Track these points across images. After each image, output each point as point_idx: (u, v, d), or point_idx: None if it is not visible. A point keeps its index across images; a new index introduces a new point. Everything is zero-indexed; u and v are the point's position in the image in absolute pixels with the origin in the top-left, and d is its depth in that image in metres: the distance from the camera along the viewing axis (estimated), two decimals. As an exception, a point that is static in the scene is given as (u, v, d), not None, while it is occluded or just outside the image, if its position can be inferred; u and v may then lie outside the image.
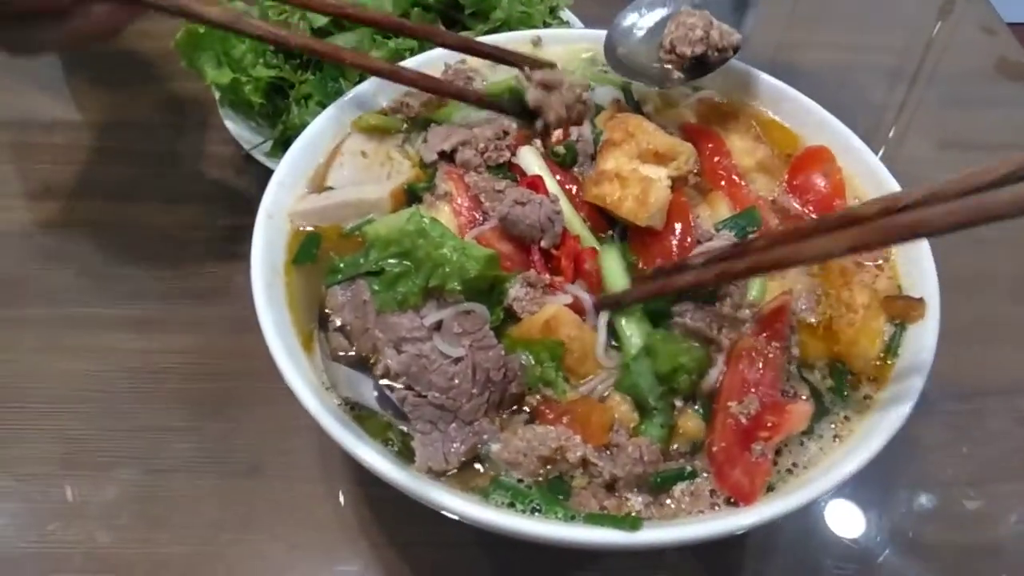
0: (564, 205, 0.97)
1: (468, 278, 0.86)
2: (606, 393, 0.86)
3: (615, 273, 0.92)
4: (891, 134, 1.71)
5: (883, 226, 0.67)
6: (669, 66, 1.10)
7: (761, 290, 0.91)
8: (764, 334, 0.87)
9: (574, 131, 1.08)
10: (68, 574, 0.99)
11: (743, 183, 1.06)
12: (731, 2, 1.14)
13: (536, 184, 0.98)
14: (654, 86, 1.16)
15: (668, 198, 0.95)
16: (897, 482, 1.12)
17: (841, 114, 1.13)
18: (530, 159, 1.02)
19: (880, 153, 1.60)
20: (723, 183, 1.06)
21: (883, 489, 1.11)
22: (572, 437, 0.81)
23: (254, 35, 1.00)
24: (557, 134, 1.07)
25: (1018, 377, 1.24)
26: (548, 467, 0.81)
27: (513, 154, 1.05)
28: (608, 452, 0.81)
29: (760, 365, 0.84)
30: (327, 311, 0.92)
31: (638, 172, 0.95)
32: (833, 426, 0.85)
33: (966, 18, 2.03)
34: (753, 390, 0.83)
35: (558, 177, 1.03)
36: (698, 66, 1.10)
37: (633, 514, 0.77)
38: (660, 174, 0.96)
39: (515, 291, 0.91)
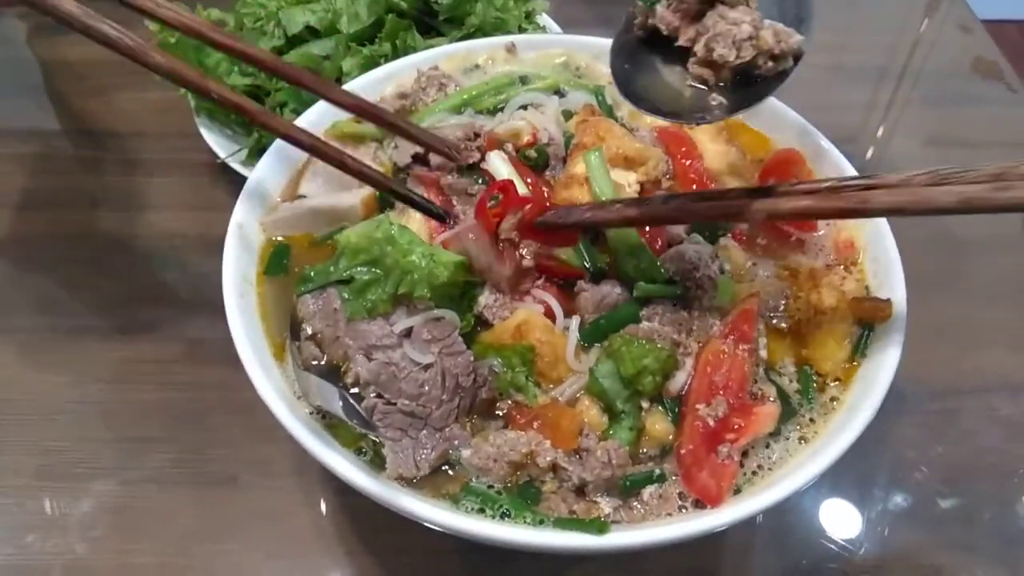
0: None
1: (437, 284, 0.86)
2: (576, 397, 0.86)
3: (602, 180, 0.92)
4: (879, 133, 1.72)
5: (830, 196, 0.72)
6: (704, 86, 0.79)
7: (730, 293, 0.92)
8: (732, 336, 0.87)
9: (544, 134, 1.08)
10: (45, 585, 0.99)
11: (714, 186, 1.07)
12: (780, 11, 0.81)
13: (507, 188, 0.98)
14: (690, 122, 0.97)
15: None
16: (873, 481, 1.12)
17: (827, 114, 1.13)
18: (498, 163, 1.02)
19: (869, 153, 1.63)
20: (694, 186, 1.06)
21: (859, 488, 1.11)
22: (542, 442, 0.81)
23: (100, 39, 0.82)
24: (527, 138, 1.07)
25: (991, 377, 1.25)
26: (518, 472, 0.81)
27: (483, 156, 1.05)
28: (578, 456, 0.82)
29: (727, 368, 0.85)
30: (299, 319, 0.92)
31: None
32: (799, 428, 0.86)
33: (945, 17, 2.04)
34: (721, 392, 0.83)
35: (529, 180, 1.03)
36: (743, 83, 0.79)
37: (601, 518, 0.77)
38: (629, 179, 0.96)
39: (485, 298, 0.91)
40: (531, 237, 0.91)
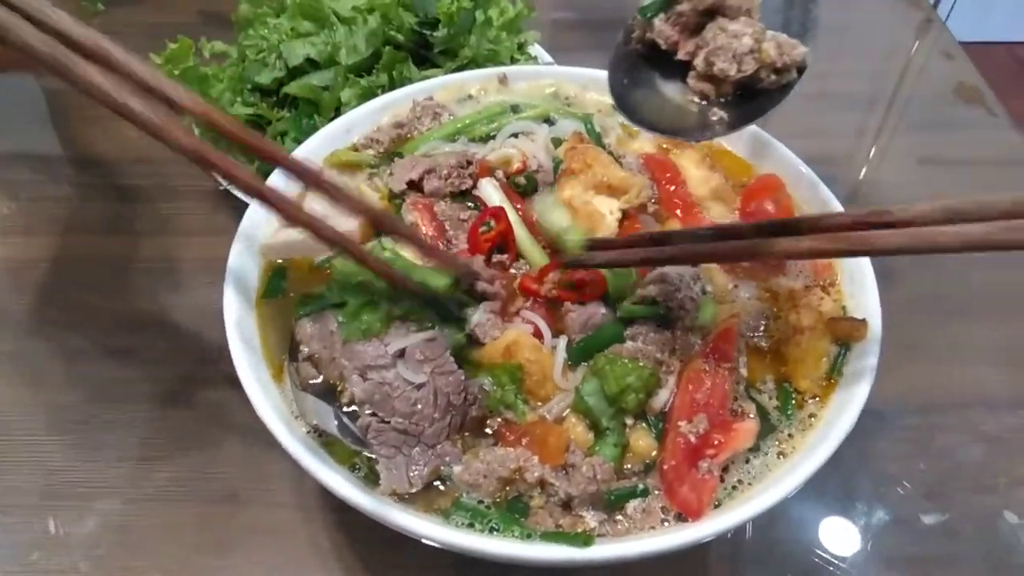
0: (522, 232, 1.01)
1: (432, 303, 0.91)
2: (563, 414, 0.90)
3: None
4: (865, 158, 1.76)
5: (837, 237, 0.73)
6: (704, 101, 0.79)
7: (711, 313, 0.96)
8: (713, 356, 0.91)
9: (533, 161, 1.13)
10: (50, 603, 1.02)
11: (697, 211, 1.11)
12: (784, 21, 0.82)
13: (498, 215, 1.03)
14: (690, 139, 0.98)
15: (615, 231, 1.00)
16: (856, 496, 1.15)
17: (812, 141, 1.18)
18: (490, 191, 1.07)
19: (857, 177, 1.67)
20: (679, 211, 1.10)
21: (842, 503, 1.14)
22: (531, 458, 0.84)
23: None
24: (517, 165, 1.11)
25: (970, 393, 1.28)
26: (507, 488, 0.84)
27: (475, 184, 1.10)
28: (564, 472, 0.85)
29: (709, 385, 0.88)
30: (297, 342, 0.96)
31: (590, 205, 1.00)
32: (778, 443, 0.89)
33: (929, 45, 2.10)
34: (702, 410, 0.87)
35: (519, 207, 1.07)
36: (745, 97, 0.79)
37: (587, 531, 0.80)
38: (611, 206, 1.00)
39: (477, 317, 0.95)
40: (565, 297, 0.96)
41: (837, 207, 1.09)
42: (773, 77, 0.77)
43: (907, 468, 1.18)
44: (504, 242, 1.02)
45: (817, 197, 1.11)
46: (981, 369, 1.31)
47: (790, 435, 0.89)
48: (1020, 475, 1.18)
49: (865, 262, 1.00)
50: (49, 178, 1.57)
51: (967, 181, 1.66)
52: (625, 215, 1.02)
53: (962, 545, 1.11)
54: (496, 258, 1.02)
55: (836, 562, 1.08)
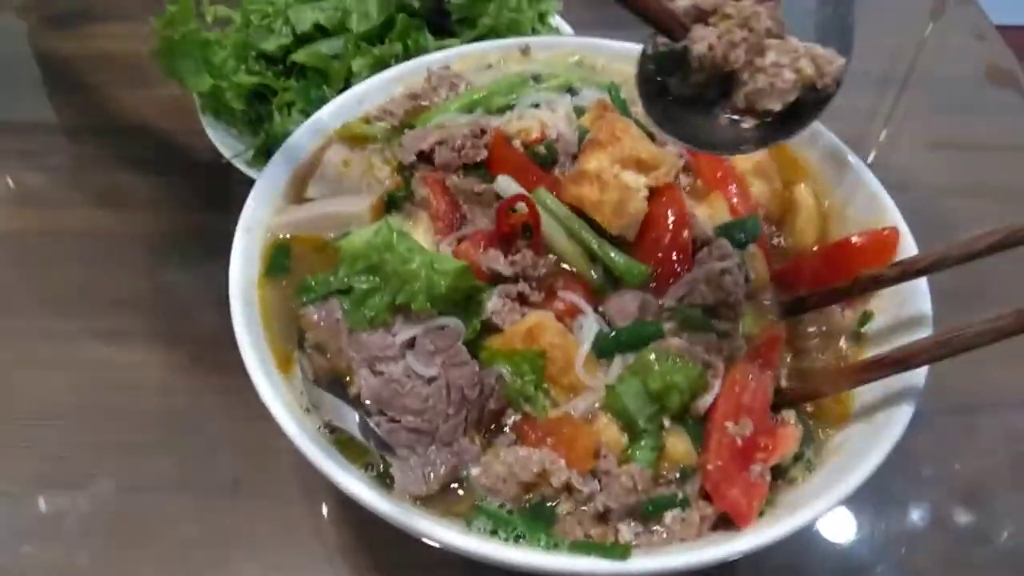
0: (548, 221, 0.94)
1: (437, 295, 0.83)
2: (592, 413, 0.84)
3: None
4: (882, 138, 1.70)
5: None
6: (746, 124, 0.75)
7: (754, 323, 0.91)
8: (759, 360, 0.85)
9: (552, 131, 1.06)
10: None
11: (742, 181, 1.04)
12: (818, 23, 0.76)
13: (529, 202, 0.95)
14: (726, 154, 0.95)
15: (644, 210, 0.93)
16: (890, 498, 1.10)
17: (836, 123, 1.10)
18: (506, 185, 0.99)
19: (871, 157, 1.61)
20: (721, 180, 1.03)
21: (875, 505, 1.09)
22: (556, 461, 0.78)
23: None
24: (536, 135, 1.05)
25: (1006, 393, 1.23)
26: (530, 493, 0.79)
27: (490, 154, 1.03)
28: (594, 478, 0.79)
29: (754, 388, 0.83)
30: (303, 330, 0.89)
31: (619, 179, 0.93)
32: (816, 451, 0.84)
33: (957, 24, 2.02)
34: (746, 414, 0.81)
35: (535, 177, 1.00)
36: (789, 115, 0.74)
37: (621, 543, 0.75)
38: (640, 183, 0.93)
39: (493, 303, 0.88)
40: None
41: (882, 193, 1.02)
42: (813, 94, 0.72)
43: (943, 468, 1.14)
44: (531, 229, 0.95)
45: (864, 189, 1.04)
46: (1018, 369, 1.25)
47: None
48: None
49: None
50: (42, 148, 1.51)
51: (995, 162, 1.61)
52: (653, 192, 0.95)
53: (998, 547, 1.07)
54: (518, 245, 0.95)
55: (868, 565, 1.03)
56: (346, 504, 1.04)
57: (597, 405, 0.84)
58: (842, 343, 0.96)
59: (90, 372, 1.18)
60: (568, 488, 0.79)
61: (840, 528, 1.06)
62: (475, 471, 0.80)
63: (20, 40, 1.78)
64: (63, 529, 1.02)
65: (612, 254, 0.92)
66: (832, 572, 1.03)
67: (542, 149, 1.05)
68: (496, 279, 0.91)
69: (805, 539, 1.05)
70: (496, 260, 0.91)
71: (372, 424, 0.79)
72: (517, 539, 0.75)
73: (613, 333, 0.87)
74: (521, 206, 0.92)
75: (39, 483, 1.06)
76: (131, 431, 1.11)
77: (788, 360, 0.94)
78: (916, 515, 1.10)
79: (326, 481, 1.05)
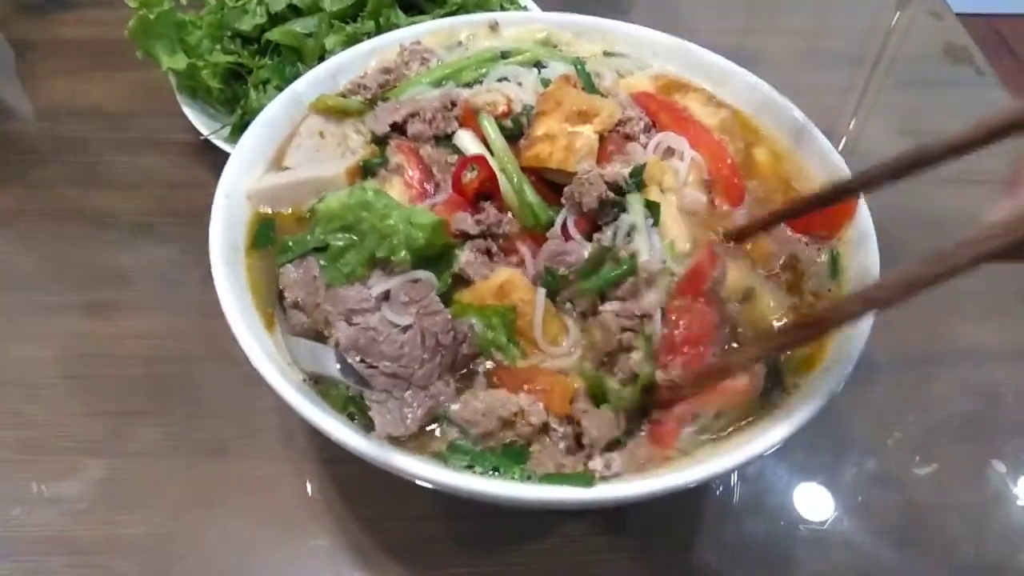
0: (504, 180, 0.99)
1: (416, 247, 0.87)
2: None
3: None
4: (852, 117, 1.75)
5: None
6: None
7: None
8: (687, 295, 0.88)
9: (518, 103, 1.10)
10: (33, 557, 0.99)
11: (700, 124, 1.09)
12: None
13: (480, 161, 1.00)
14: None
15: (595, 144, 0.98)
16: (847, 445, 1.15)
17: (802, 99, 1.16)
18: (466, 141, 1.03)
19: (843, 142, 1.66)
20: (684, 127, 1.07)
21: (833, 453, 1.14)
22: (535, 403, 0.83)
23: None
24: (502, 108, 1.08)
25: (961, 347, 1.29)
26: (505, 432, 0.83)
27: (461, 124, 1.06)
28: (569, 423, 0.84)
29: (686, 323, 0.85)
30: (281, 288, 0.93)
31: (565, 129, 0.98)
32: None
33: (917, 4, 2.09)
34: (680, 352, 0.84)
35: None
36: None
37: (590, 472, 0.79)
38: (587, 131, 0.99)
39: (465, 255, 0.92)
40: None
41: (836, 157, 1.07)
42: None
43: (899, 419, 1.19)
44: (489, 190, 0.99)
45: (823, 156, 1.09)
46: (971, 322, 1.32)
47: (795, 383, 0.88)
48: (1008, 425, 1.19)
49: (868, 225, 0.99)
50: (21, 131, 1.53)
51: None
52: (601, 138, 1.00)
53: (952, 494, 1.12)
54: (482, 205, 0.99)
55: (826, 512, 1.08)
56: (329, 462, 1.08)
57: (567, 366, 0.88)
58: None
59: (73, 344, 1.20)
60: (545, 429, 0.83)
61: (799, 476, 1.11)
62: (454, 407, 0.83)
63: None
64: (51, 495, 1.04)
65: (527, 192, 0.98)
66: (791, 518, 1.08)
67: (509, 123, 1.08)
68: (466, 238, 0.95)
69: (762, 484, 1.10)
70: (464, 221, 0.95)
71: (351, 360, 0.82)
72: (494, 471, 0.79)
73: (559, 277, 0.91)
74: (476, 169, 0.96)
75: (27, 451, 1.08)
76: (117, 399, 1.14)
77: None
78: (872, 462, 1.15)
79: (309, 441, 1.10)
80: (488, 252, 0.95)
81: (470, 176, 0.98)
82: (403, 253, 0.88)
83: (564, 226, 0.96)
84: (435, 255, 0.91)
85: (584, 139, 0.98)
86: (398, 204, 0.90)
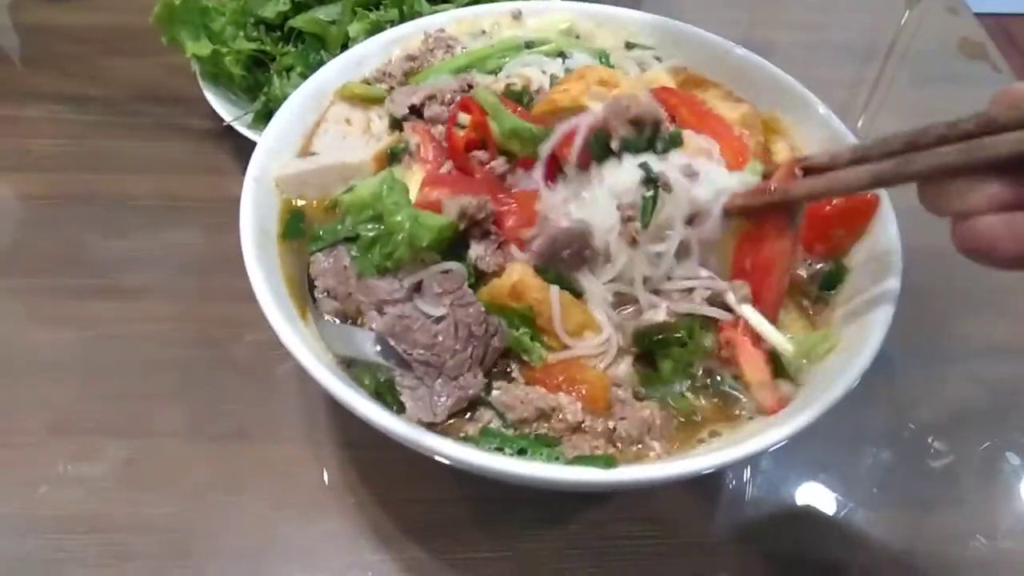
0: (493, 124, 1.00)
1: (419, 247, 0.87)
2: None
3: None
4: (863, 112, 1.75)
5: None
6: None
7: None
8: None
9: (537, 84, 1.11)
10: (57, 534, 1.01)
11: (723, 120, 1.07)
12: None
13: (468, 105, 1.01)
14: None
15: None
16: (862, 437, 1.16)
17: (818, 92, 1.16)
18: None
19: (856, 128, 1.66)
20: (704, 121, 1.05)
21: (848, 444, 1.15)
22: (574, 403, 0.84)
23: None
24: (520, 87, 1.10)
25: (975, 341, 1.29)
26: (539, 421, 0.84)
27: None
28: (607, 420, 0.85)
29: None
30: (312, 277, 0.94)
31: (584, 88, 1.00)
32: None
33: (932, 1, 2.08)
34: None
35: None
36: None
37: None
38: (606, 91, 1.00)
39: (475, 249, 0.92)
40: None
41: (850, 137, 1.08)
42: None
43: (912, 413, 1.19)
44: (482, 138, 0.99)
45: (832, 133, 1.10)
46: (987, 317, 1.32)
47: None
48: (1022, 419, 1.20)
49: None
50: (45, 115, 1.53)
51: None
52: None
53: (965, 486, 1.13)
54: (474, 154, 1.00)
55: (843, 501, 1.09)
56: (349, 446, 1.09)
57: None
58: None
59: (96, 327, 1.21)
60: (579, 427, 0.84)
61: (813, 467, 1.11)
62: (495, 392, 0.85)
63: (2, 13, 1.80)
64: (77, 475, 1.05)
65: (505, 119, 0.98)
66: (809, 500, 1.08)
67: (517, 85, 1.09)
68: (471, 223, 0.93)
69: (778, 472, 1.10)
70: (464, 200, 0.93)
71: (390, 341, 0.82)
72: (521, 453, 0.80)
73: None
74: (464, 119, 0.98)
75: (51, 433, 1.09)
76: (140, 383, 1.15)
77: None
78: (888, 453, 1.15)
79: (330, 424, 1.11)
80: (488, 234, 0.94)
81: (463, 129, 0.99)
82: (403, 250, 0.87)
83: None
84: (444, 248, 0.92)
85: (602, 92, 0.97)
86: (408, 201, 0.90)
